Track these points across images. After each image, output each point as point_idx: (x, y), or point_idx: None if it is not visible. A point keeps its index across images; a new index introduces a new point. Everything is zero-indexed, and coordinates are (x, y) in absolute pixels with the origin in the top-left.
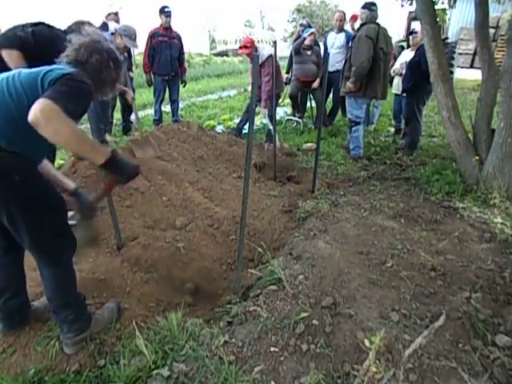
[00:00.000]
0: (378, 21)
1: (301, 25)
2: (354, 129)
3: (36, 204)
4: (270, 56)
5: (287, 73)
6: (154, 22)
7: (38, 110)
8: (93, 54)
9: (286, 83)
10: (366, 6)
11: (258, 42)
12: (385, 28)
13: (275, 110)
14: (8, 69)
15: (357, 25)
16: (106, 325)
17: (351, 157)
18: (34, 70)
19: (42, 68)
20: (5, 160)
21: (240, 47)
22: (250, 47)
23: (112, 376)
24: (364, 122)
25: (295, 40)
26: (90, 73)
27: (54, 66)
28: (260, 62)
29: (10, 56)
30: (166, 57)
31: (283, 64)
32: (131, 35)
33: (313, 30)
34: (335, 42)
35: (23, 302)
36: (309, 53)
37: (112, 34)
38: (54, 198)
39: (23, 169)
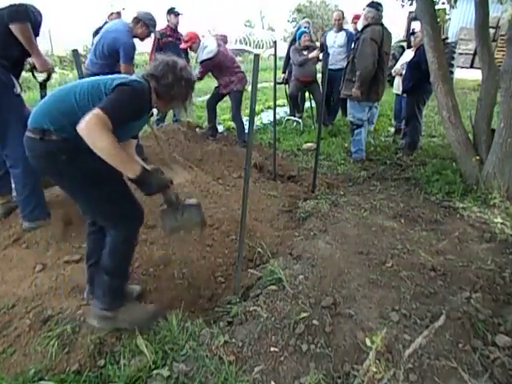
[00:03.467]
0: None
1: (306, 22)
2: (356, 132)
3: (84, 179)
4: (210, 59)
5: (283, 72)
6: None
7: (84, 123)
8: (168, 72)
9: (281, 83)
10: (373, 5)
11: (258, 41)
12: (387, 29)
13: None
14: None
15: (359, 24)
16: (135, 321)
17: (353, 159)
18: (100, 78)
19: (108, 77)
20: (54, 143)
21: (184, 41)
22: (187, 41)
23: (112, 376)
24: (366, 121)
25: (292, 41)
26: (161, 87)
27: (119, 76)
28: (196, 60)
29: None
30: None
31: (279, 64)
32: (154, 23)
33: (305, 29)
34: (336, 40)
35: None
36: (305, 53)
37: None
38: (105, 173)
39: (69, 150)
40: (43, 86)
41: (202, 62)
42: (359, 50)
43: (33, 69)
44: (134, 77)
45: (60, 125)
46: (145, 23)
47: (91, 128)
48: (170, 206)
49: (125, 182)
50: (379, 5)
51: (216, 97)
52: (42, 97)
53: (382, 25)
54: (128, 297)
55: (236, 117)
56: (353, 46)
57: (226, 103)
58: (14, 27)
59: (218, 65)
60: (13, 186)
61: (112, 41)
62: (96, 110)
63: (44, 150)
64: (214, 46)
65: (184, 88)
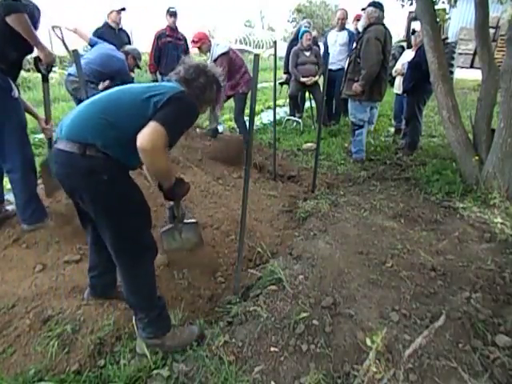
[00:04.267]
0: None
1: (307, 22)
2: (357, 132)
3: (119, 205)
4: (225, 54)
5: (285, 73)
6: (156, 23)
7: (148, 141)
8: (200, 75)
9: (283, 83)
10: (376, 5)
11: (253, 41)
12: (388, 29)
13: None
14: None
15: (360, 24)
16: (182, 344)
17: (353, 160)
18: (143, 87)
19: (151, 87)
20: (98, 160)
21: (193, 41)
22: (197, 42)
23: (112, 376)
24: (366, 122)
25: (292, 40)
26: (194, 91)
27: (164, 85)
28: (210, 61)
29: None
30: (173, 57)
31: (279, 64)
32: (139, 57)
33: (307, 29)
34: (337, 39)
35: (107, 283)
36: (307, 54)
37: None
38: (138, 203)
39: (113, 170)
40: (46, 78)
41: (216, 59)
42: (364, 50)
43: (37, 61)
44: (172, 84)
45: (106, 140)
46: (133, 56)
47: (155, 148)
48: (172, 221)
49: (149, 217)
50: (380, 5)
51: None
52: (45, 92)
53: (383, 25)
54: None
55: (239, 118)
56: (354, 45)
57: (226, 103)
58: (11, 19)
59: (231, 62)
60: (6, 193)
61: (119, 67)
62: (157, 126)
63: (85, 167)
64: (226, 44)
65: (215, 91)
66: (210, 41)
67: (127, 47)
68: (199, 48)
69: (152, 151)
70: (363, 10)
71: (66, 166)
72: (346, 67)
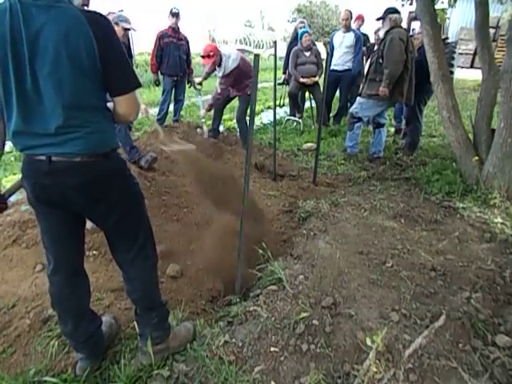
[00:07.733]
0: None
1: (301, 22)
2: (356, 125)
3: (137, 197)
4: (237, 68)
5: (284, 73)
6: (155, 24)
7: (132, 110)
8: None
9: (282, 83)
10: (394, 11)
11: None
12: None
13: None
14: None
15: (382, 31)
16: (183, 342)
17: (348, 153)
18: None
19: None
20: (118, 158)
21: (203, 57)
22: (214, 55)
23: (112, 376)
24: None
25: (291, 41)
26: None
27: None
28: (222, 74)
29: None
30: (175, 58)
31: (279, 64)
32: (126, 20)
33: (306, 29)
34: (344, 41)
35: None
36: (307, 54)
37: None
38: (141, 192)
39: (127, 164)
40: None
41: (229, 74)
42: (387, 49)
43: None
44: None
45: (114, 135)
46: (122, 27)
47: (137, 109)
48: None
49: None
50: (397, 10)
51: (225, 99)
52: None
53: (403, 28)
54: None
55: (241, 119)
56: (376, 48)
57: (228, 104)
58: None
59: (241, 70)
60: None
61: None
62: (127, 99)
63: (112, 167)
64: (236, 52)
65: None
66: (219, 51)
67: (113, 16)
68: (214, 62)
69: (136, 112)
70: (379, 19)
71: (88, 172)
72: (366, 69)
